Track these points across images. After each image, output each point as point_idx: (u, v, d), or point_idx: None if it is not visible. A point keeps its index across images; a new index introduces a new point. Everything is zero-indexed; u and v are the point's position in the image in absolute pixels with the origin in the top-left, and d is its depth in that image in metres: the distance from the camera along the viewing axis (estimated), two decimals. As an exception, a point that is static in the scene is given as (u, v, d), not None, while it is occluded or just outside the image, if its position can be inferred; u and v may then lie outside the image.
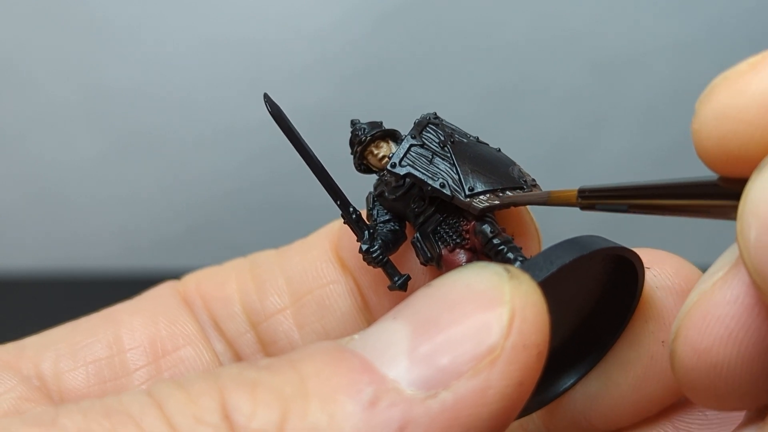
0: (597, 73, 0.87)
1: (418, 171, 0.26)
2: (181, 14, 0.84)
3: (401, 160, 0.26)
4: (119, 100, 0.86)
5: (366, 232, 0.27)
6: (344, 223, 0.28)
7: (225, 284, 0.32)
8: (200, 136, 0.88)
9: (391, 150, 0.28)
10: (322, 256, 0.31)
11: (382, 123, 0.28)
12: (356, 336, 0.22)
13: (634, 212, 0.22)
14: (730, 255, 0.21)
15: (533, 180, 0.29)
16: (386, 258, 0.27)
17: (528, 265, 0.22)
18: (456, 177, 0.27)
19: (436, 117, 0.29)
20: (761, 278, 0.18)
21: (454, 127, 0.29)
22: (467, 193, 0.26)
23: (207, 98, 0.87)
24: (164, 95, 0.86)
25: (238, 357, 0.31)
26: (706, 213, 0.20)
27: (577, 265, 0.22)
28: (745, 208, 0.17)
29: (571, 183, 0.86)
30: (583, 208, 0.23)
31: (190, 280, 0.33)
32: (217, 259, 0.96)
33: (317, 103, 0.87)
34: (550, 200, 0.25)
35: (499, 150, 0.29)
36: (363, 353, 0.20)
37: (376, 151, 0.28)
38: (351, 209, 0.27)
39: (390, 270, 0.27)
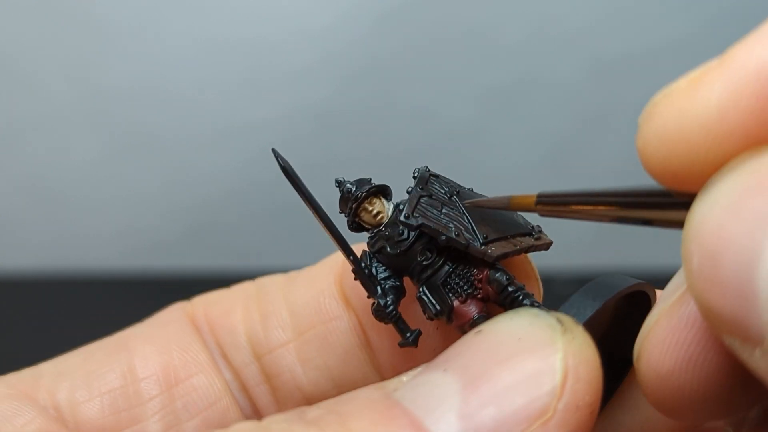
0: (597, 72, 0.87)
1: (431, 221, 0.26)
2: (181, 14, 0.84)
3: (413, 211, 0.26)
4: (120, 101, 0.86)
5: (378, 287, 0.27)
6: (355, 279, 0.27)
7: (231, 313, 0.32)
8: (200, 137, 0.88)
9: (384, 206, 0.27)
10: (326, 291, 0.31)
11: (370, 179, 0.28)
12: (404, 378, 0.21)
13: (590, 220, 0.22)
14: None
15: (539, 227, 0.28)
16: (399, 313, 0.27)
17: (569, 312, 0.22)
18: (468, 226, 0.26)
19: (429, 172, 0.28)
20: (703, 306, 0.17)
21: (448, 179, 0.29)
22: (482, 241, 0.26)
23: (207, 98, 0.87)
24: (164, 95, 0.86)
25: (244, 387, 0.31)
26: (665, 223, 0.19)
27: (604, 308, 0.23)
28: (688, 232, 0.17)
29: (570, 182, 0.87)
30: (542, 213, 0.23)
31: (198, 304, 0.33)
32: (218, 260, 0.96)
33: (318, 102, 0.87)
34: (511, 206, 0.25)
35: None
36: (412, 410, 0.19)
37: (370, 208, 0.27)
38: (363, 264, 0.27)
39: (402, 326, 0.27)
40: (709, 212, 0.16)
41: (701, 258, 0.16)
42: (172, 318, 0.32)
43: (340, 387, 0.31)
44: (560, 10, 0.85)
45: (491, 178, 0.90)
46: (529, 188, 0.91)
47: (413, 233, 0.26)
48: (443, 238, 0.26)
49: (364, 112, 0.88)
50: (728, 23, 0.85)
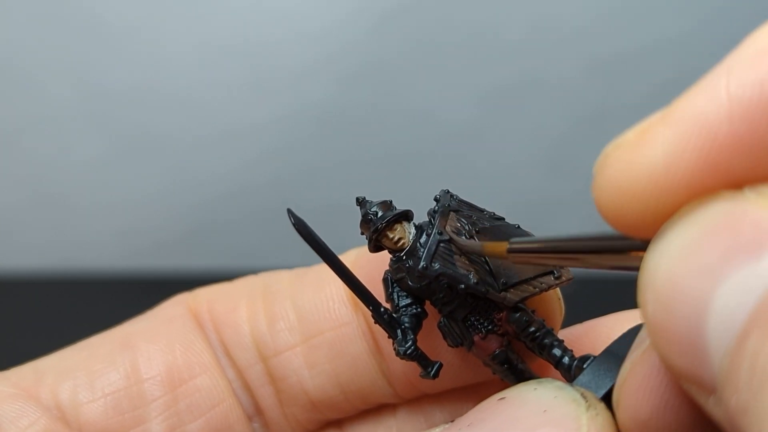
0: (596, 71, 0.87)
1: (450, 270, 0.26)
2: (181, 16, 0.84)
3: (432, 260, 0.26)
4: (121, 102, 0.86)
5: (399, 330, 0.27)
6: (375, 323, 0.27)
7: (235, 310, 0.31)
8: (202, 138, 0.88)
9: (405, 232, 0.27)
10: (336, 295, 0.30)
11: (391, 202, 0.27)
12: None
13: (562, 266, 0.22)
14: None
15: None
16: (419, 351, 0.27)
17: (589, 384, 0.23)
18: (488, 271, 0.26)
19: (451, 196, 0.28)
20: (659, 355, 0.17)
21: (470, 204, 0.28)
22: (500, 288, 0.26)
23: (208, 99, 0.87)
24: (165, 96, 0.86)
25: (247, 387, 0.31)
26: (634, 269, 0.19)
27: None
28: (642, 281, 0.17)
29: (570, 182, 0.86)
30: (514, 261, 0.24)
31: (201, 298, 0.32)
32: (219, 261, 0.96)
33: (318, 103, 0.87)
34: (484, 251, 0.25)
35: (518, 227, 0.29)
36: None
37: (391, 235, 0.27)
38: (382, 310, 0.27)
39: (423, 362, 0.27)
40: (660, 262, 0.17)
41: (654, 308, 0.17)
42: (175, 314, 0.32)
43: (347, 393, 0.30)
44: (559, 10, 0.85)
45: (491, 178, 0.91)
46: (528, 188, 0.91)
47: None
48: (462, 286, 0.26)
49: (365, 112, 0.88)
50: (726, 21, 0.85)
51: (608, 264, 0.20)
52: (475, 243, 0.26)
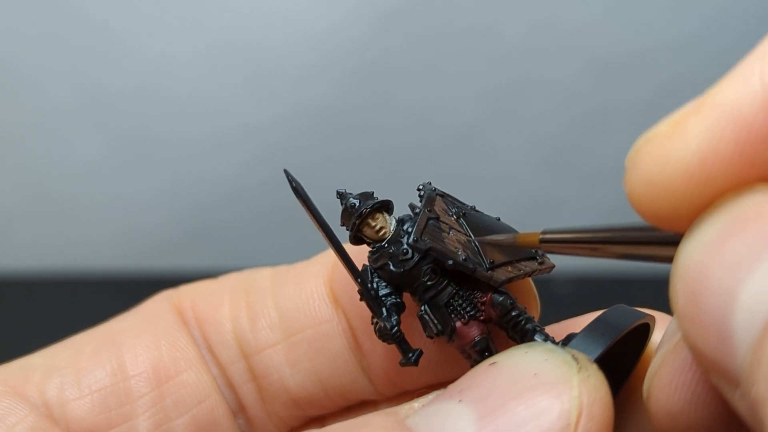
0: (597, 73, 0.87)
1: (439, 245, 0.26)
2: (183, 18, 0.84)
3: (421, 234, 0.26)
4: (121, 104, 0.87)
5: (384, 309, 0.27)
6: (361, 299, 0.27)
7: (218, 308, 0.32)
8: (202, 140, 0.88)
9: (386, 221, 0.27)
10: (316, 293, 0.31)
11: (373, 193, 0.28)
12: (416, 404, 0.21)
13: (593, 257, 0.22)
14: None
15: (542, 251, 0.29)
16: (402, 334, 0.27)
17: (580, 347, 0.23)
18: (475, 250, 0.27)
19: (434, 188, 0.28)
20: (689, 346, 0.17)
21: (452, 195, 0.29)
22: (488, 266, 0.26)
23: (209, 102, 0.87)
24: (166, 99, 0.87)
25: (230, 384, 0.31)
26: (666, 260, 0.19)
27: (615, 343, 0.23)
28: (674, 273, 0.17)
29: (570, 182, 0.86)
30: (546, 250, 0.24)
31: (185, 296, 0.32)
32: (219, 262, 0.96)
33: (319, 105, 0.87)
34: (517, 243, 0.26)
35: (499, 219, 0.29)
36: None
37: (373, 224, 0.27)
38: (370, 286, 0.27)
39: (404, 346, 0.27)
40: (692, 254, 0.17)
41: (685, 298, 0.17)
42: (160, 311, 0.32)
43: (328, 390, 0.31)
44: (560, 12, 0.85)
45: (492, 179, 0.91)
46: (529, 190, 0.91)
47: (417, 253, 0.26)
48: (450, 262, 0.26)
49: (366, 115, 0.88)
50: (729, 24, 0.85)
51: (641, 254, 0.20)
52: (507, 236, 0.26)
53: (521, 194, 0.91)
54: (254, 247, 0.92)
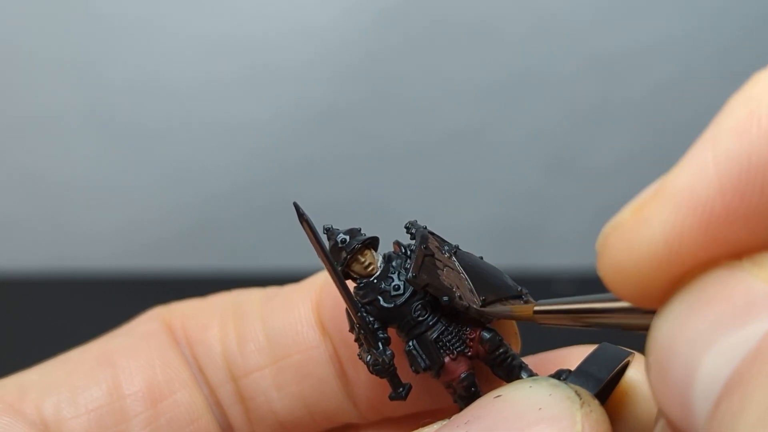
0: (596, 69, 0.87)
1: (435, 282, 0.26)
2: (179, 11, 0.84)
3: (419, 270, 0.26)
4: (118, 98, 0.87)
5: (380, 343, 0.27)
6: (351, 330, 0.28)
7: (208, 329, 0.32)
8: (199, 134, 0.88)
9: (374, 258, 0.28)
10: (304, 319, 0.31)
11: (360, 229, 0.28)
12: None
13: (585, 328, 0.23)
14: None
15: (526, 290, 0.29)
16: (395, 368, 0.27)
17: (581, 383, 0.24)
18: (468, 287, 0.27)
19: (424, 227, 0.29)
20: (661, 413, 0.18)
21: (441, 237, 0.29)
22: (480, 304, 0.27)
23: (206, 95, 0.87)
24: (163, 93, 0.87)
25: (219, 405, 0.32)
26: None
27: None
28: (647, 346, 0.18)
29: (570, 181, 0.86)
30: (539, 323, 0.25)
31: (175, 313, 0.33)
32: (217, 259, 0.96)
33: (317, 99, 0.87)
34: (513, 315, 0.27)
35: (482, 258, 0.30)
36: None
37: (362, 259, 0.27)
38: (370, 319, 0.27)
39: (396, 380, 0.27)
40: (661, 330, 0.18)
41: (655, 370, 0.18)
42: (152, 330, 0.32)
43: (314, 414, 0.31)
44: (559, 7, 0.85)
45: (490, 174, 0.91)
46: (528, 186, 0.91)
47: (409, 289, 0.27)
48: (446, 299, 0.26)
49: (364, 109, 0.88)
50: (726, 19, 0.85)
51: (627, 324, 0.21)
52: (503, 308, 0.27)
53: (518, 189, 0.91)
54: (253, 242, 0.92)
